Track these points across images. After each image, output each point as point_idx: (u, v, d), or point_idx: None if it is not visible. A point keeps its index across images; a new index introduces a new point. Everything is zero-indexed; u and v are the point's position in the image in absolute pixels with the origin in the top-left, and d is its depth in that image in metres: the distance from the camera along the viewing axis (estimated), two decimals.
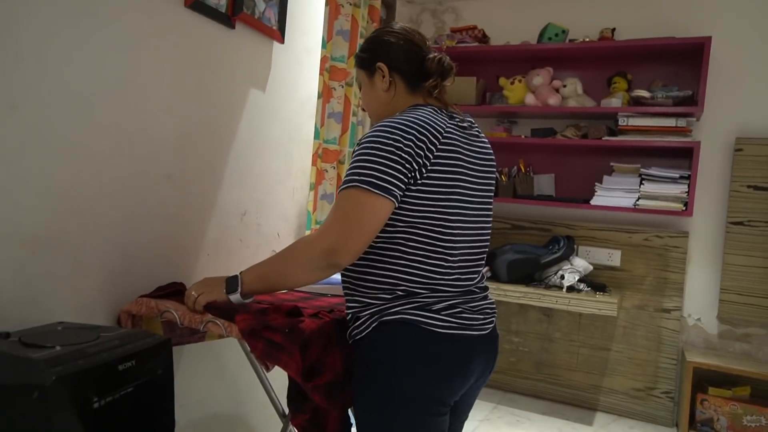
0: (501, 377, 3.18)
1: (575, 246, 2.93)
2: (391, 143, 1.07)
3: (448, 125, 1.15)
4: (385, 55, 1.24)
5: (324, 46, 2.25)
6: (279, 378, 1.87)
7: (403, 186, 1.08)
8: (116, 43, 1.34)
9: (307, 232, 2.27)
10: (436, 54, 1.24)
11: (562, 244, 2.82)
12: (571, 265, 2.78)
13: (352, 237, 1.06)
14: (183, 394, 1.65)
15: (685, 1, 2.81)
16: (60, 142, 1.23)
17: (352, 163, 1.10)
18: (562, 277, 2.71)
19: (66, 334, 1.09)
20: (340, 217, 1.08)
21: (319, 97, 2.25)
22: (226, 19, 1.69)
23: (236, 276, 1.23)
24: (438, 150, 1.10)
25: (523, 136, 3.03)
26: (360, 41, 2.45)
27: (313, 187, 2.28)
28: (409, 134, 1.08)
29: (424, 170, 1.09)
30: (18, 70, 1.13)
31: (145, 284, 1.48)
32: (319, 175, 2.33)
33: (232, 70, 1.75)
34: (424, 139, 1.09)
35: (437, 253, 1.12)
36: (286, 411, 1.71)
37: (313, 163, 2.26)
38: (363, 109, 1.37)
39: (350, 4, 2.38)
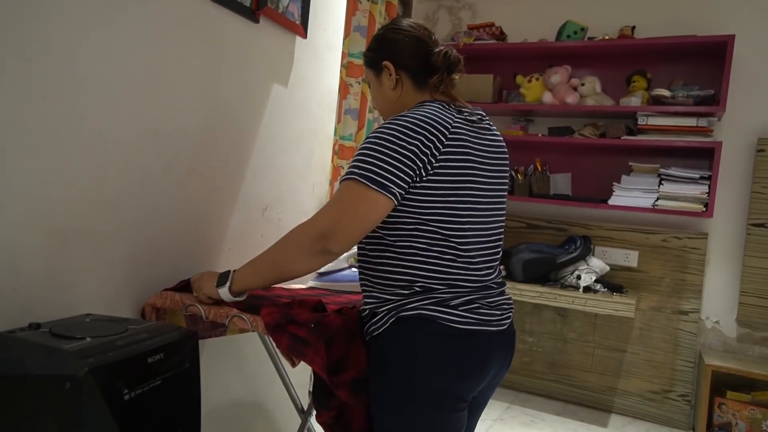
0: (515, 377, 3.16)
1: (592, 246, 2.91)
2: (394, 141, 1.07)
3: (456, 120, 1.14)
4: (390, 53, 1.24)
5: (342, 42, 2.24)
6: (298, 374, 1.87)
7: (404, 184, 1.07)
8: (143, 36, 1.34)
9: None
10: (441, 48, 1.23)
11: (578, 244, 2.80)
12: (588, 265, 2.76)
13: (345, 224, 1.07)
14: (203, 388, 1.64)
15: None
16: (88, 134, 1.22)
17: (356, 156, 1.11)
18: (579, 277, 2.69)
19: (95, 326, 1.09)
20: (335, 205, 1.10)
21: (336, 95, 2.24)
22: (251, 13, 1.68)
23: (228, 271, 1.24)
24: (445, 146, 1.10)
25: (539, 135, 3.01)
26: None
27: (330, 183, 2.27)
28: (414, 131, 1.08)
29: (429, 167, 1.08)
30: (48, 59, 1.13)
31: (168, 277, 1.48)
32: (335, 171, 2.32)
33: (256, 65, 1.74)
34: (429, 136, 1.08)
35: (451, 248, 1.11)
36: (305, 407, 1.71)
37: (330, 160, 2.26)
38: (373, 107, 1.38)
39: (368, 1, 2.37)
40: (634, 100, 2.71)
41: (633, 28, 2.79)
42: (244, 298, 1.28)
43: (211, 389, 1.69)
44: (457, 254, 1.12)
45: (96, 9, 1.21)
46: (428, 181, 1.09)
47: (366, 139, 1.12)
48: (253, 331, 1.27)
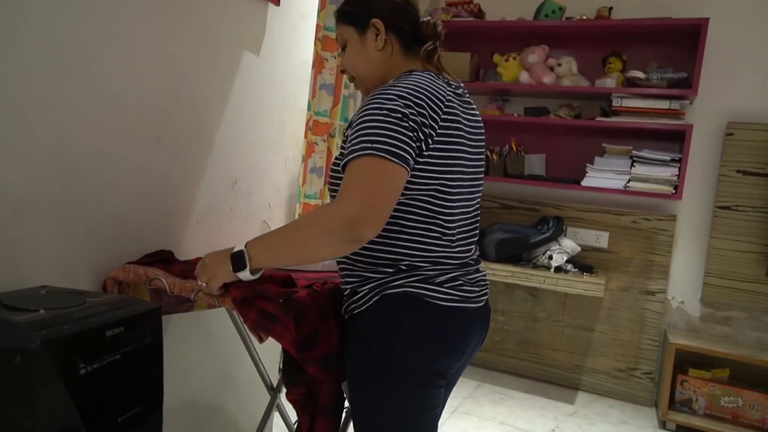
0: (485, 356, 3.20)
1: (564, 227, 2.93)
2: (399, 110, 1.00)
3: (448, 93, 1.10)
4: (380, 11, 1.15)
5: (317, 15, 2.18)
6: (267, 350, 1.84)
7: (414, 155, 1.02)
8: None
9: (297, 205, 2.22)
10: (430, 18, 1.18)
11: (551, 224, 2.82)
12: (560, 245, 2.79)
13: (378, 207, 0.97)
14: (169, 363, 1.60)
15: None
16: (45, 97, 1.16)
17: (358, 130, 1.01)
18: (551, 257, 2.71)
19: (50, 298, 1.04)
20: (359, 184, 0.97)
21: (311, 68, 2.19)
22: None
23: (242, 251, 1.08)
24: (441, 120, 1.06)
25: (515, 115, 3.00)
26: None
27: (303, 159, 2.23)
28: (416, 103, 1.02)
29: (430, 141, 1.04)
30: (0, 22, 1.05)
31: (132, 251, 1.43)
32: (309, 147, 2.27)
33: (225, 31, 1.67)
34: (430, 109, 1.04)
35: (438, 225, 1.09)
36: (275, 384, 1.69)
37: (304, 135, 2.21)
38: (342, 71, 1.25)
39: None
40: (609, 82, 2.72)
41: (610, 9, 2.79)
42: (259, 275, 1.16)
43: (178, 366, 1.65)
44: (442, 232, 1.09)
45: None
46: (427, 155, 1.04)
47: (365, 110, 1.02)
48: (220, 306, 1.24)
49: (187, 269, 1.37)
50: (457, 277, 1.11)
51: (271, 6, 1.87)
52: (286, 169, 2.10)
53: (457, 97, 1.13)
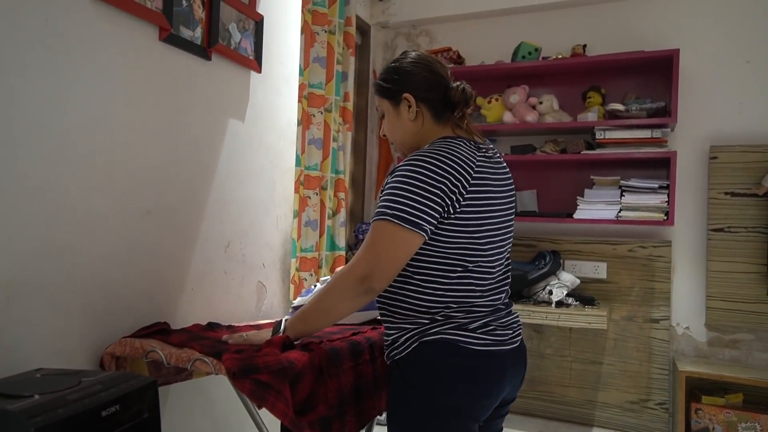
0: None
1: (561, 260, 2.94)
2: (424, 178, 1.10)
3: (478, 158, 1.17)
4: (410, 85, 1.25)
5: (301, 73, 2.26)
6: (270, 414, 1.82)
7: (434, 221, 1.11)
8: (91, 80, 1.32)
9: (292, 260, 2.24)
10: (459, 83, 1.25)
11: (548, 259, 2.83)
12: (558, 279, 2.79)
13: (383, 263, 1.11)
14: None
15: (652, 15, 2.88)
16: (33, 180, 1.19)
17: (386, 193, 1.13)
18: (550, 292, 2.71)
19: (45, 382, 1.04)
20: (370, 247, 1.12)
21: (298, 125, 2.25)
22: (202, 51, 1.68)
23: (280, 321, 1.27)
24: (471, 185, 1.14)
25: (503, 154, 3.05)
26: (337, 67, 2.46)
27: (297, 214, 2.26)
28: (443, 169, 1.11)
29: (457, 205, 1.12)
30: None
31: (128, 324, 1.43)
32: (302, 202, 2.31)
33: (211, 101, 1.73)
34: (458, 174, 1.12)
35: (471, 278, 1.16)
36: None
37: (296, 191, 2.25)
38: (383, 136, 1.36)
39: (325, 32, 2.40)
40: (590, 116, 2.78)
41: (584, 46, 2.88)
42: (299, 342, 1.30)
43: None
44: (476, 284, 1.17)
45: (37, 55, 1.20)
46: (454, 218, 1.13)
47: (396, 174, 1.14)
48: (217, 374, 1.24)
49: (185, 338, 1.38)
50: (489, 323, 1.17)
51: (253, 73, 1.94)
52: (278, 227, 2.13)
53: (488, 160, 1.20)
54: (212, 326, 1.56)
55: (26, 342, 1.18)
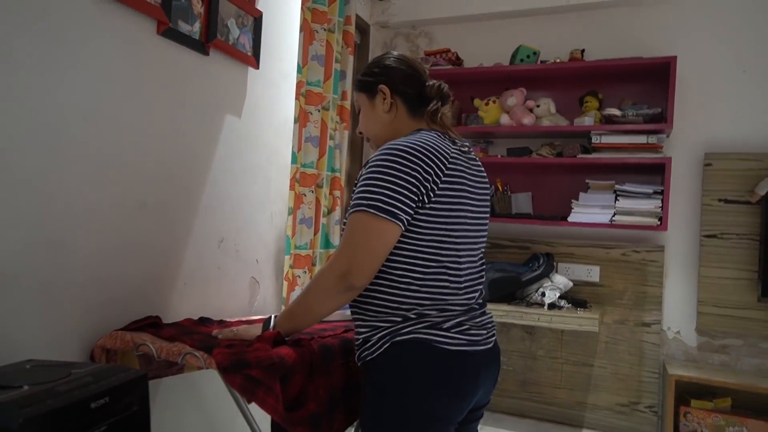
0: None
1: (555, 263, 2.95)
2: (398, 167, 1.09)
3: (452, 150, 1.17)
4: (386, 78, 1.27)
5: (299, 71, 2.26)
6: (261, 409, 1.82)
7: (410, 210, 1.10)
8: (88, 72, 1.32)
9: (286, 257, 2.24)
10: (435, 81, 1.28)
11: (541, 261, 2.84)
12: (552, 282, 2.80)
13: (363, 259, 1.09)
14: (160, 428, 1.59)
15: (651, 21, 2.90)
16: (28, 171, 1.20)
17: (360, 186, 1.12)
18: (543, 294, 2.72)
19: (35, 373, 1.05)
20: (348, 242, 1.11)
21: (295, 122, 2.25)
22: (200, 46, 1.69)
23: (270, 317, 1.27)
24: (445, 175, 1.13)
25: (499, 156, 3.06)
26: (335, 66, 2.46)
27: (292, 211, 2.26)
28: (416, 159, 1.10)
29: (432, 194, 1.11)
30: None
31: (119, 317, 1.44)
32: (298, 199, 2.31)
33: (208, 96, 1.73)
34: (432, 164, 1.11)
35: (445, 274, 1.15)
36: None
37: (291, 188, 2.25)
38: (360, 133, 1.37)
39: (325, 30, 2.40)
40: (587, 120, 2.80)
41: (582, 51, 2.89)
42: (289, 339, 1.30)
43: (168, 429, 1.64)
44: (450, 280, 1.15)
45: (36, 46, 1.20)
46: (429, 208, 1.12)
47: (369, 165, 1.13)
48: (207, 368, 1.24)
49: (177, 332, 1.38)
50: (463, 322, 1.15)
51: (251, 69, 1.95)
52: (272, 224, 2.14)
53: (462, 154, 1.21)
54: (204, 321, 1.57)
55: (17, 333, 1.18)
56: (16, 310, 1.18)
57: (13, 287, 1.17)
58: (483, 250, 1.28)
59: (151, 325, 1.45)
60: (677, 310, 2.84)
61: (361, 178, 1.14)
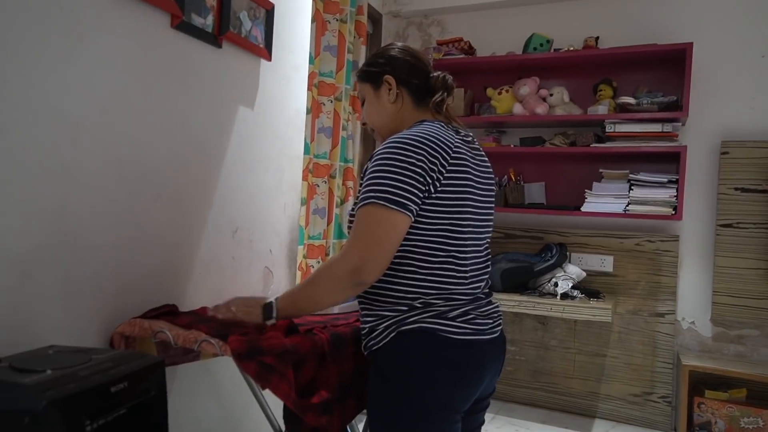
0: (498, 386, 3.16)
1: (568, 253, 2.94)
2: (405, 158, 1.10)
3: (456, 140, 1.18)
4: (392, 69, 1.28)
5: (312, 61, 2.27)
6: (275, 396, 1.86)
7: (418, 201, 1.11)
8: (104, 66, 1.35)
9: (300, 247, 2.27)
10: (440, 72, 1.29)
11: (554, 251, 2.83)
12: (564, 272, 2.79)
13: (375, 254, 1.09)
14: (177, 414, 1.63)
15: (666, 8, 2.85)
16: (48, 164, 1.23)
17: (368, 179, 1.12)
18: (556, 284, 2.72)
19: (57, 358, 1.08)
20: (360, 236, 1.10)
21: (308, 113, 2.26)
22: (213, 39, 1.70)
23: (272, 303, 1.25)
24: (450, 165, 1.14)
25: (512, 146, 3.05)
26: (348, 56, 2.47)
27: (305, 202, 2.28)
28: (422, 149, 1.11)
29: (438, 184, 1.12)
30: (5, 92, 1.13)
31: (137, 305, 1.47)
32: (311, 189, 2.33)
33: (221, 89, 1.76)
34: (437, 154, 1.12)
35: (451, 263, 1.15)
36: (283, 429, 1.70)
37: (304, 178, 2.27)
38: (363, 124, 1.37)
39: (337, 20, 2.41)
40: (601, 109, 2.77)
41: (597, 38, 2.86)
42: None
43: (187, 415, 1.68)
44: (456, 270, 1.16)
45: (53, 39, 1.22)
46: (436, 197, 1.12)
47: (375, 158, 1.13)
48: (222, 355, 1.27)
49: (193, 320, 1.41)
50: (468, 311, 1.16)
51: (263, 61, 1.96)
52: (285, 214, 2.16)
53: (466, 144, 1.22)
54: None
55: (40, 320, 1.22)
56: (38, 298, 1.22)
57: (35, 277, 1.21)
58: (488, 239, 1.28)
59: (168, 312, 1.48)
60: (692, 301, 2.82)
61: (367, 172, 1.14)
